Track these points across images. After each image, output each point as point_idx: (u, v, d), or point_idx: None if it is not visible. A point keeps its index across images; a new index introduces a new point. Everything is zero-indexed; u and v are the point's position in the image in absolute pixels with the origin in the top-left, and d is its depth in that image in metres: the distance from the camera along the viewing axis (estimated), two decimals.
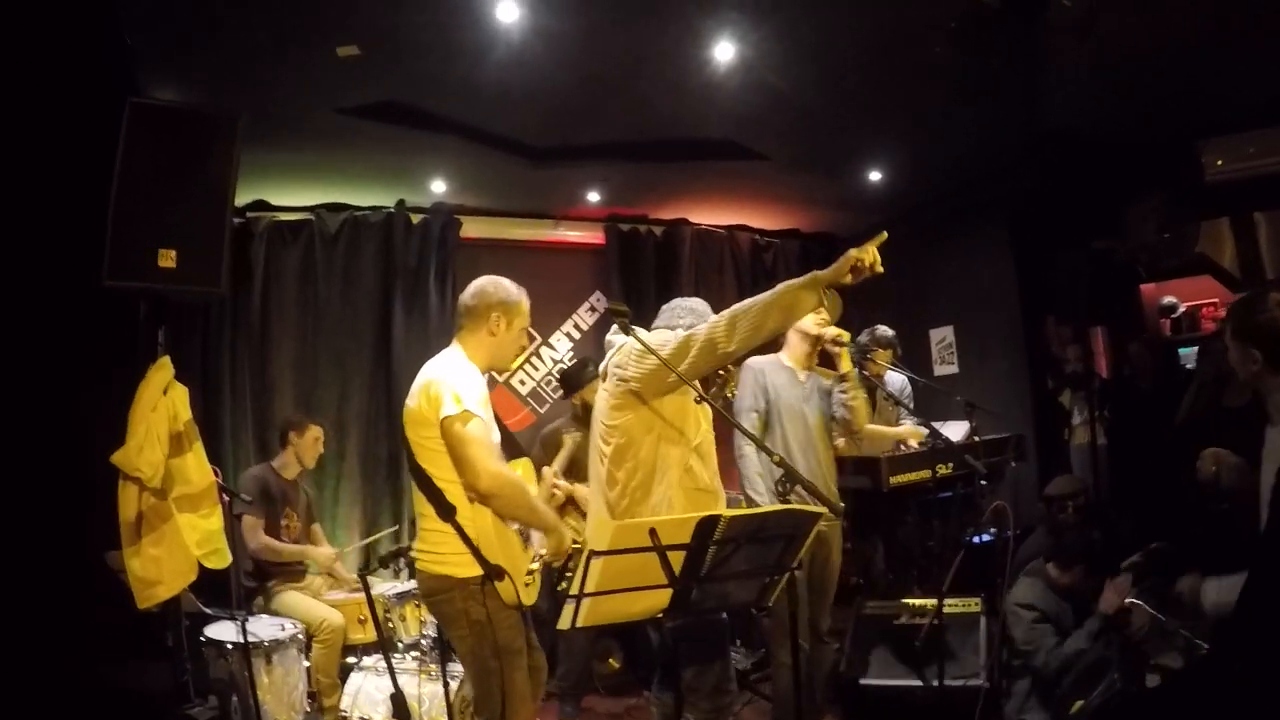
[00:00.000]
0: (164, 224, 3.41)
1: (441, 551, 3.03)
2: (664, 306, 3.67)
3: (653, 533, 2.45)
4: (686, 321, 3.48)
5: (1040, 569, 4.09)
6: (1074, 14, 4.25)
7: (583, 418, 5.17)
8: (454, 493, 3.02)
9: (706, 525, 2.49)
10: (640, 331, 3.34)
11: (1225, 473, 2.92)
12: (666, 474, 3.27)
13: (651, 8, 4.27)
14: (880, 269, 2.93)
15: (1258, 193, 6.36)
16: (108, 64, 3.70)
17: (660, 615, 2.69)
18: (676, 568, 2.52)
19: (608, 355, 3.46)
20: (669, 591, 2.60)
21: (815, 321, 4.14)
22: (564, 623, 2.54)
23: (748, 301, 3.12)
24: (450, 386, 3.00)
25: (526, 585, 3.13)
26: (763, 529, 2.65)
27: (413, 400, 3.10)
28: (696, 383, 3.27)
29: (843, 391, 4.29)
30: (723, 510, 2.78)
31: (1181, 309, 7.89)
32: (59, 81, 3.54)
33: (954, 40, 4.68)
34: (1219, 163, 6.19)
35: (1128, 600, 3.65)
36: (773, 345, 4.32)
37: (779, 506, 2.88)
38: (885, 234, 2.98)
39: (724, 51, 4.66)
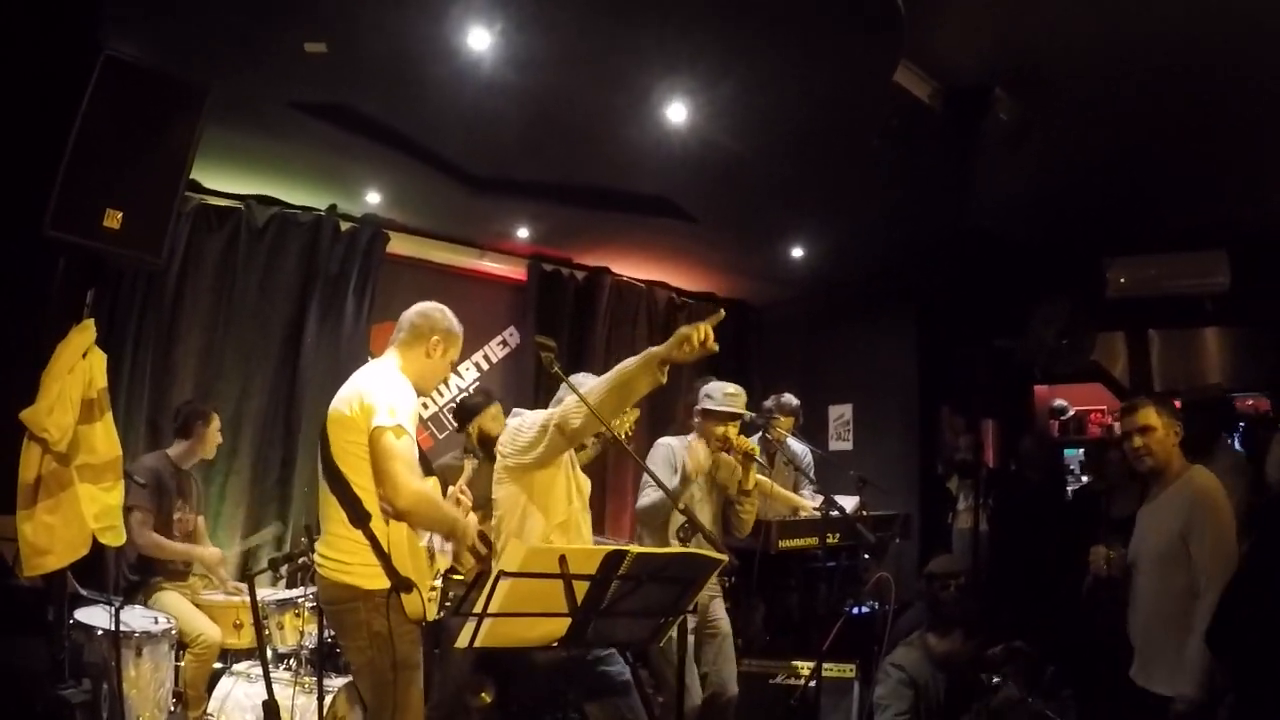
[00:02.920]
0: (116, 184, 3.33)
1: (348, 561, 3.00)
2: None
3: (562, 560, 2.50)
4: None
5: (920, 639, 4.26)
6: (1009, 127, 4.52)
7: (474, 449, 5.18)
8: (370, 501, 3.01)
9: (613, 559, 2.55)
10: (580, 379, 3.47)
11: (1115, 565, 3.34)
12: None
13: (617, 61, 4.42)
14: (714, 347, 3.07)
15: (1154, 312, 6.84)
16: (75, 8, 3.62)
17: (554, 644, 2.73)
18: (579, 597, 2.58)
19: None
20: (566, 621, 2.64)
21: (718, 434, 4.36)
22: (462, 641, 2.55)
23: (594, 383, 3.29)
24: (386, 398, 3.01)
25: (430, 601, 3.13)
26: (665, 569, 2.72)
27: (342, 404, 3.09)
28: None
29: (739, 504, 4.48)
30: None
31: (1071, 412, 8.32)
32: (24, 21, 3.47)
33: (892, 135, 4.93)
34: (1122, 280, 6.62)
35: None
36: (685, 426, 4.57)
37: (683, 549, 2.97)
38: (722, 312, 3.14)
39: (676, 113, 4.82)
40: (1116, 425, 8.08)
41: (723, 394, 4.39)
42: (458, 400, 6.21)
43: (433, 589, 3.19)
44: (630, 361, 3.17)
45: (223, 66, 4.23)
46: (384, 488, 2.97)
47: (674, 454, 4.40)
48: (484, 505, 4.86)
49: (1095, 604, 3.79)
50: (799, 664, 4.74)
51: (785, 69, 4.47)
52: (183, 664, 4.50)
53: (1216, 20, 3.94)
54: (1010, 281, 6.90)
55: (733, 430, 4.39)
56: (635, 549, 2.59)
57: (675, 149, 5.23)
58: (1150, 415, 3.50)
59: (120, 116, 3.35)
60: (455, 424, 5.57)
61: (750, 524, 4.58)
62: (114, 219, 3.32)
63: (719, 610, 4.40)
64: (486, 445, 5.14)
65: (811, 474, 5.92)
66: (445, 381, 7.17)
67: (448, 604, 4.57)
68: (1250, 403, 7.31)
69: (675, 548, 3.70)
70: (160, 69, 3.47)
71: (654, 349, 3.12)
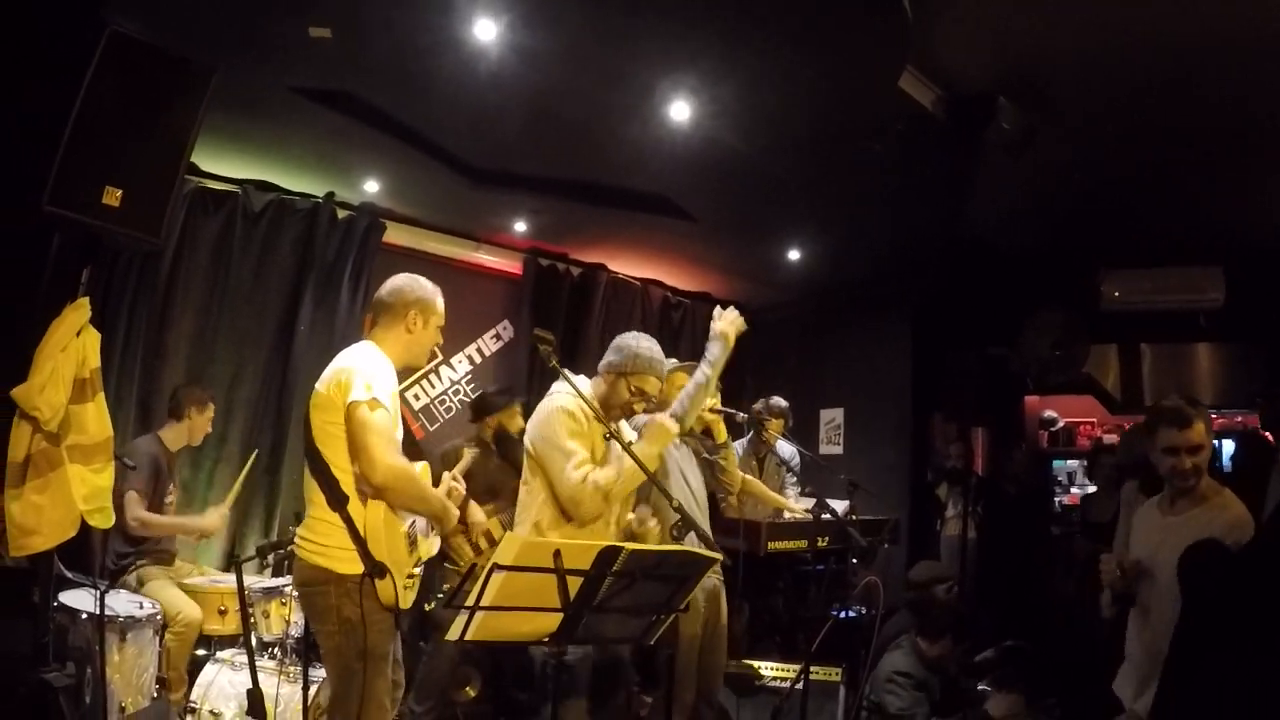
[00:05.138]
0: (117, 161, 3.28)
1: (324, 543, 2.97)
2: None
3: (556, 554, 2.49)
4: (606, 360, 3.64)
5: (910, 643, 4.27)
6: (1011, 135, 4.53)
7: (489, 443, 5.21)
8: (348, 482, 2.98)
9: (608, 554, 2.53)
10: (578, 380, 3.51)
11: (1129, 576, 3.16)
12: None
13: (621, 57, 4.41)
14: None
15: (1147, 325, 6.89)
16: None
17: (545, 640, 2.71)
18: (573, 593, 2.56)
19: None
20: (558, 617, 2.63)
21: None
22: (453, 633, 2.54)
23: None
24: (363, 374, 2.99)
25: (405, 589, 3.10)
26: (660, 566, 2.71)
27: (321, 385, 3.07)
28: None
29: (720, 457, 4.46)
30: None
31: (1060, 424, 8.36)
32: None
33: (895, 142, 4.93)
34: (1116, 293, 6.67)
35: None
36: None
37: (678, 547, 2.96)
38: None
39: (679, 111, 4.81)
40: (1105, 437, 8.22)
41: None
42: (482, 392, 6.18)
43: (411, 577, 3.15)
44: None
45: (226, 48, 4.18)
46: (359, 462, 2.94)
47: None
48: (491, 497, 4.90)
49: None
50: (784, 666, 4.74)
51: (789, 70, 4.46)
52: (161, 647, 4.45)
53: (1217, 37, 3.96)
54: (1005, 291, 6.94)
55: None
56: (629, 546, 2.58)
57: (676, 148, 5.23)
58: (1202, 432, 3.12)
59: (123, 94, 3.30)
60: (471, 414, 5.58)
61: (737, 477, 4.57)
62: (113, 196, 3.28)
63: (723, 604, 4.37)
64: (503, 442, 5.17)
65: (798, 476, 5.93)
66: (436, 356, 7.18)
67: (440, 594, 4.57)
68: (1240, 419, 7.36)
69: (669, 545, 3.69)
70: (166, 47, 3.43)
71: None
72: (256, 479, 6.19)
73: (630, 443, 3.44)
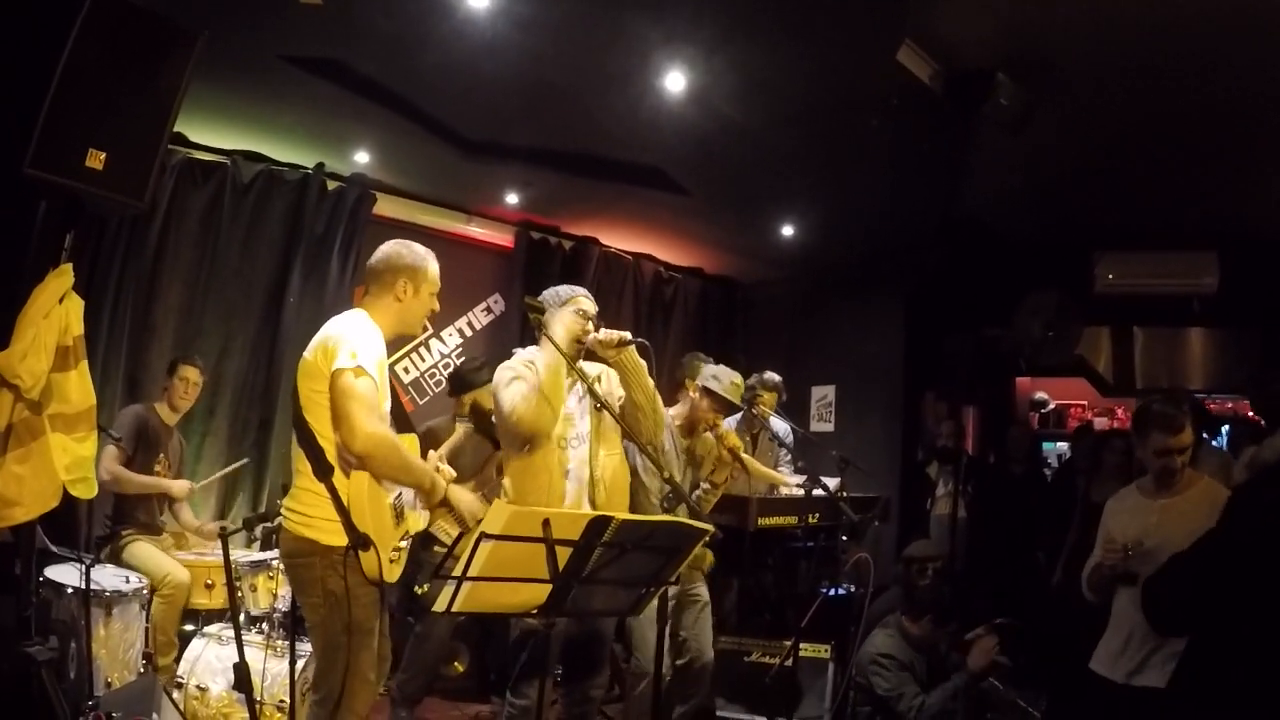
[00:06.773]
0: (100, 124, 3.20)
1: (310, 514, 2.92)
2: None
3: (546, 524, 2.45)
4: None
5: (896, 622, 4.27)
6: (1009, 112, 4.48)
7: (465, 419, 5.12)
8: (334, 453, 2.92)
9: (598, 525, 2.50)
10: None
11: (1134, 557, 3.23)
12: None
13: (617, 26, 4.33)
14: None
15: (1140, 309, 6.87)
16: None
17: (533, 612, 2.68)
18: (561, 563, 2.53)
19: None
20: (546, 588, 2.60)
21: (709, 419, 4.33)
22: (440, 605, 2.50)
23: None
24: (348, 341, 2.92)
25: (391, 562, 3.05)
26: (650, 538, 2.67)
27: (309, 352, 3.00)
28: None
29: (702, 490, 4.40)
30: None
31: (1051, 405, 8.36)
32: None
33: (891, 117, 4.88)
34: (1110, 276, 6.68)
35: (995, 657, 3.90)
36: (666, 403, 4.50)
37: (669, 517, 2.93)
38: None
39: (674, 82, 4.76)
40: (1095, 419, 8.22)
41: (730, 382, 4.30)
42: (456, 367, 6.12)
43: (397, 550, 3.10)
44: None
45: (214, 14, 4.08)
46: (340, 430, 2.86)
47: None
48: (472, 476, 4.83)
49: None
50: (774, 643, 4.73)
51: (787, 41, 4.40)
52: (150, 613, 4.44)
53: (1221, 19, 3.91)
54: (1000, 271, 6.92)
55: (722, 429, 4.33)
56: (620, 516, 2.55)
57: (672, 120, 5.18)
58: (1190, 432, 3.30)
59: (108, 55, 3.22)
60: (449, 389, 5.50)
61: (708, 506, 4.48)
62: (97, 159, 3.21)
63: (699, 578, 4.35)
64: (480, 419, 5.09)
65: (792, 451, 5.91)
66: (418, 342, 7.13)
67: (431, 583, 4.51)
68: (1230, 405, 7.37)
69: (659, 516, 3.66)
70: (151, 9, 3.36)
71: None
72: (245, 449, 6.15)
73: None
